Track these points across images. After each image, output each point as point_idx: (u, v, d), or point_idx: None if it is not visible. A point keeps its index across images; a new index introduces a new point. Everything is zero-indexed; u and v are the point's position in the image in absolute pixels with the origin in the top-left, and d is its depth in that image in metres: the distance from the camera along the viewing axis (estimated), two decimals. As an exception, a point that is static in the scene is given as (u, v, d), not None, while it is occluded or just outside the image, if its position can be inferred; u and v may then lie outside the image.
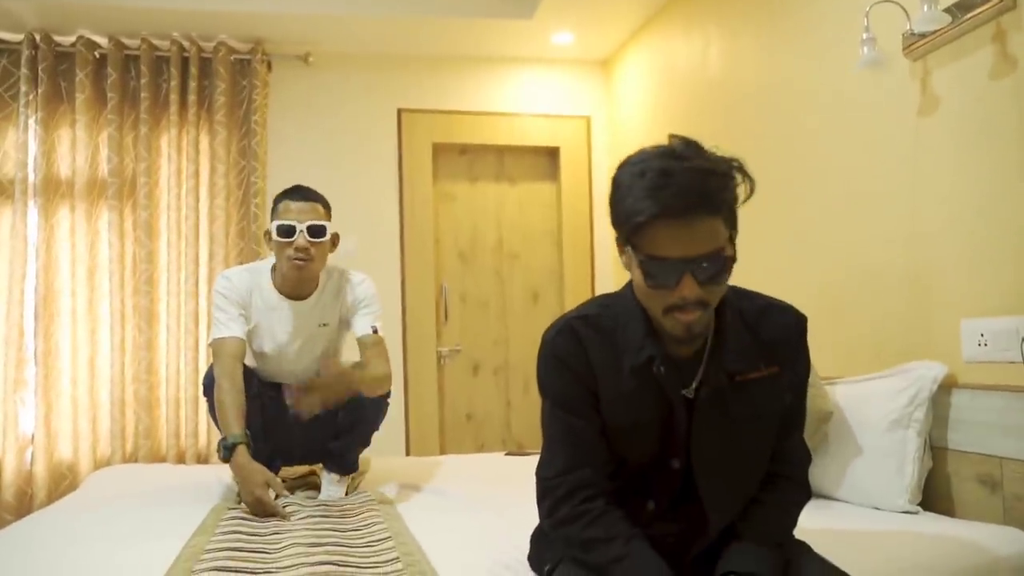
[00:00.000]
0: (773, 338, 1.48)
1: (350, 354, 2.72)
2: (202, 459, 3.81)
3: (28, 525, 2.19)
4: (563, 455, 1.47)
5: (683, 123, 3.68)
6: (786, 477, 1.53)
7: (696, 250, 1.30)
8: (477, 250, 4.48)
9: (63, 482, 3.73)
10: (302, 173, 4.11)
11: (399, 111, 4.33)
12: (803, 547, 1.52)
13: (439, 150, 4.40)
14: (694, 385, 1.45)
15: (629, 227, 1.32)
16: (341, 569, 1.67)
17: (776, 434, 1.51)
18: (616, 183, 1.36)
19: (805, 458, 1.57)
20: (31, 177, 3.82)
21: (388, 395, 2.66)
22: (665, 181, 1.27)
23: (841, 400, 2.29)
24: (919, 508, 2.11)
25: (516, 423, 4.42)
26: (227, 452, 2.35)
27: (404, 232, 4.28)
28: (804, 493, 1.56)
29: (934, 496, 2.17)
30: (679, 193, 1.27)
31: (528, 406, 4.41)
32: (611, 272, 4.50)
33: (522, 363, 4.42)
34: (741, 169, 1.36)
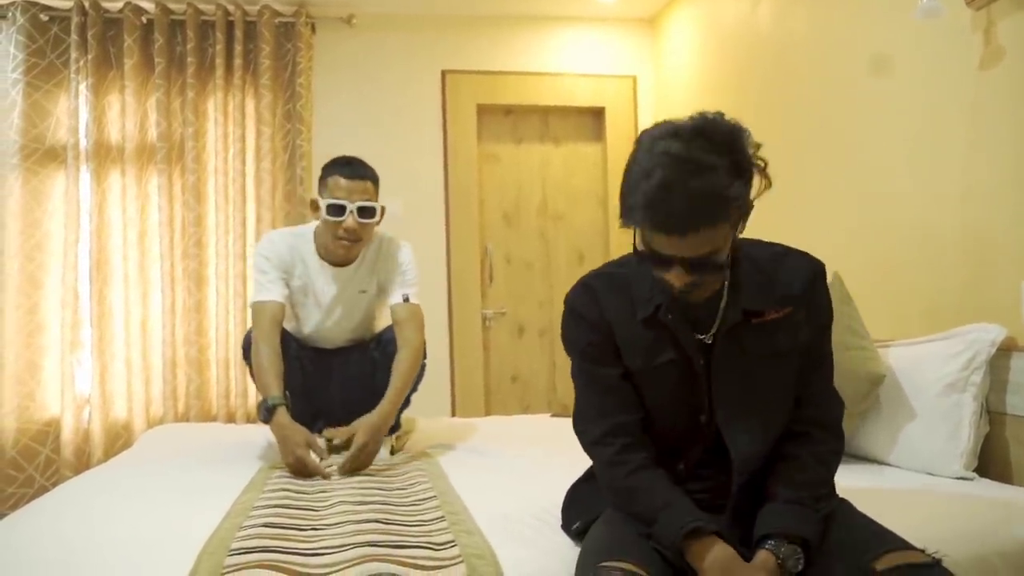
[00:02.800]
0: (788, 281, 1.49)
1: (386, 319, 2.72)
2: (251, 419, 3.86)
3: (83, 482, 2.25)
4: (594, 402, 1.53)
5: (731, 81, 3.58)
6: (819, 426, 1.51)
7: (690, 252, 1.31)
8: (522, 212, 4.46)
9: (118, 441, 3.83)
10: (346, 135, 4.14)
11: (443, 72, 4.29)
12: (844, 504, 1.49)
13: (483, 111, 4.37)
14: (712, 330, 1.47)
15: (629, 220, 1.33)
16: (387, 526, 1.68)
17: (799, 375, 1.50)
18: (628, 166, 1.35)
19: (836, 404, 1.55)
20: (83, 143, 3.87)
21: (424, 356, 2.65)
22: (664, 197, 1.26)
23: (894, 363, 2.24)
24: (975, 474, 2.05)
25: (561, 384, 4.42)
26: (267, 414, 2.38)
27: (448, 194, 4.27)
28: (838, 441, 1.52)
29: (991, 462, 2.12)
30: (675, 214, 1.26)
31: (573, 368, 4.38)
32: (657, 234, 4.43)
33: (567, 325, 4.38)
34: (754, 169, 1.35)
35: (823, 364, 1.54)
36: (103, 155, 3.91)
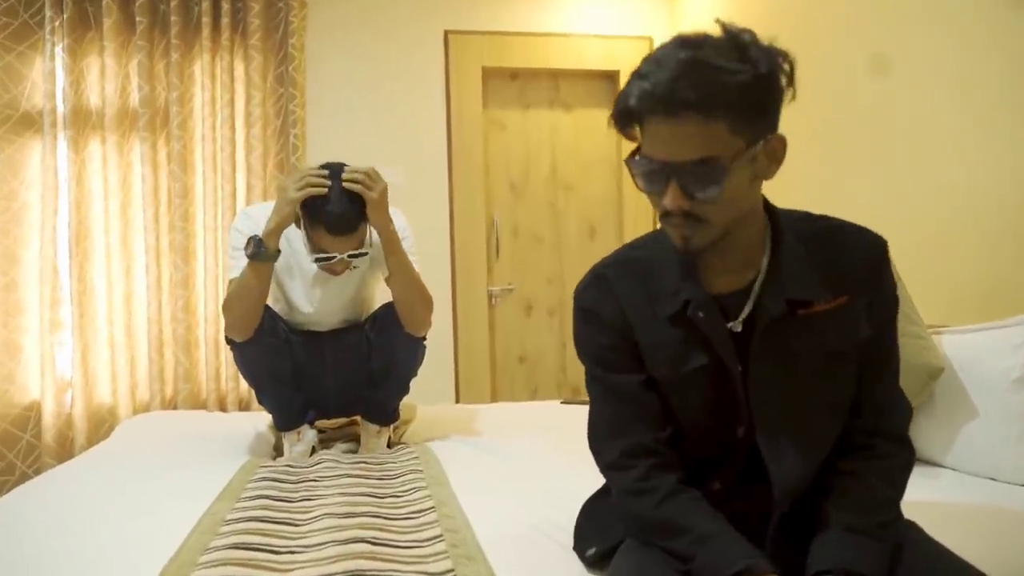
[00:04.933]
0: (843, 263, 1.23)
1: (382, 297, 2.48)
2: (244, 405, 3.66)
3: (42, 483, 2.03)
4: (610, 417, 1.29)
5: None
6: (884, 436, 1.25)
7: (682, 155, 1.09)
8: (530, 181, 4.20)
9: (103, 425, 3.61)
10: (342, 100, 3.89)
11: (446, 33, 4.02)
12: (913, 529, 1.25)
13: (489, 74, 4.10)
14: (742, 317, 1.21)
15: (616, 115, 1.15)
16: (375, 547, 1.46)
17: (859, 379, 1.24)
18: None
19: (905, 409, 1.29)
20: (60, 109, 3.61)
21: (423, 338, 2.42)
22: (653, 68, 1.10)
23: (948, 352, 1.99)
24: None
25: (572, 366, 4.18)
26: (257, 244, 2.16)
27: (452, 163, 4.01)
28: (908, 451, 1.27)
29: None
30: (661, 83, 1.07)
31: (584, 348, 4.15)
32: (674, 205, 4.18)
33: (578, 302, 4.16)
34: (773, 66, 1.12)
35: (889, 365, 1.28)
36: (82, 122, 3.65)
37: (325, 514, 1.65)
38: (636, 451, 1.24)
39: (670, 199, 1.12)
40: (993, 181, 2.16)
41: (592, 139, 4.23)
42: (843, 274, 1.22)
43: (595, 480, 1.76)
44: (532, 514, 1.66)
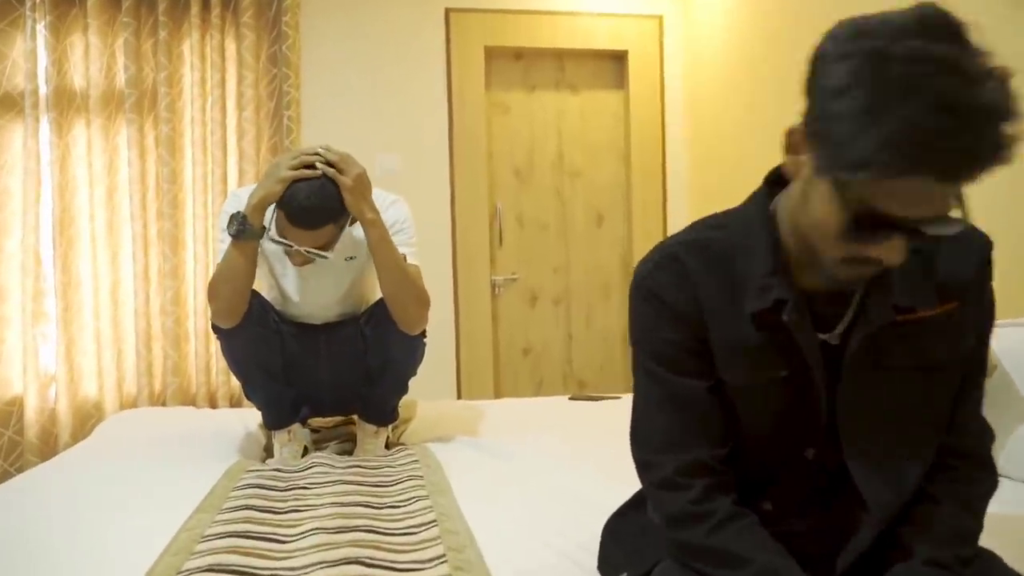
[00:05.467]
0: (951, 265, 1.06)
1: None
2: (235, 400, 3.50)
3: (8, 490, 1.87)
4: (667, 427, 1.09)
5: (774, 23, 3.13)
6: (970, 457, 1.09)
7: (930, 213, 0.87)
8: (535, 167, 4.02)
9: (88, 422, 3.46)
10: (338, 81, 3.72)
11: (447, 11, 3.84)
12: (991, 560, 1.09)
13: (492, 55, 3.92)
14: (840, 328, 1.05)
15: (847, 166, 0.84)
16: (370, 570, 1.29)
17: (953, 396, 1.08)
18: (831, 72, 0.86)
19: (989, 430, 1.13)
20: (42, 89, 3.44)
21: (423, 335, 2.26)
22: (951, 126, 0.79)
23: (1000, 348, 1.82)
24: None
25: (578, 359, 4.02)
26: (240, 221, 2.01)
27: (453, 147, 3.84)
28: (993, 478, 1.11)
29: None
30: (962, 148, 0.80)
31: (591, 340, 4.00)
32: (685, 191, 4.02)
33: (584, 292, 4.00)
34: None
35: (979, 380, 1.12)
36: (65, 103, 3.48)
37: (315, 529, 1.48)
38: (693, 469, 1.06)
39: (896, 253, 0.90)
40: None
41: (600, 123, 4.06)
42: (951, 277, 1.06)
43: (616, 489, 1.59)
44: (546, 529, 1.50)
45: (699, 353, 1.08)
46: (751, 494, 1.10)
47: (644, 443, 1.12)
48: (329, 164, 1.99)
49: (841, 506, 1.09)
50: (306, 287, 2.27)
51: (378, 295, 2.32)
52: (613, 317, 4.00)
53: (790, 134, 0.96)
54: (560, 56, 4.02)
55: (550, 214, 4.03)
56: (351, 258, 2.27)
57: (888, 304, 1.03)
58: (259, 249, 2.12)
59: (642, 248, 3.94)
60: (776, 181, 1.10)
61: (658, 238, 3.99)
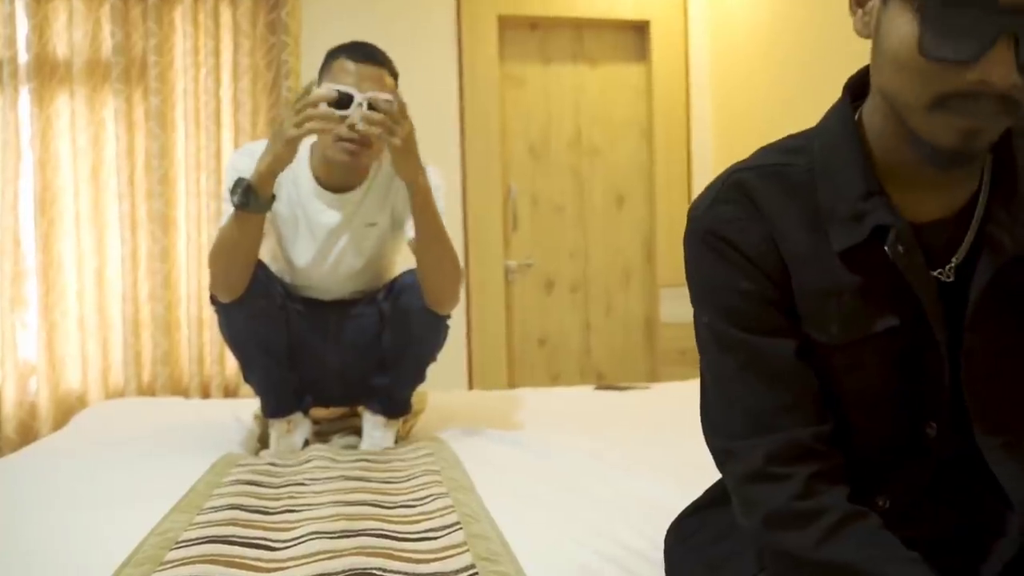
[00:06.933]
0: None
1: (404, 263, 2.08)
2: (230, 391, 3.27)
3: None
4: (748, 403, 0.84)
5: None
6: None
7: None
8: (551, 145, 3.77)
9: (71, 414, 3.19)
10: (341, 48, 3.47)
11: (458, -23, 3.60)
12: None
13: (506, 24, 3.67)
14: (958, 258, 0.81)
15: None
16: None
17: None
18: None
19: None
20: (22, 58, 3.20)
21: (448, 316, 2.02)
22: None
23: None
24: None
25: (597, 349, 3.76)
26: (245, 190, 1.78)
27: (465, 124, 3.59)
28: None
29: None
30: None
31: (610, 329, 3.74)
32: (711, 170, 3.75)
33: (603, 278, 3.74)
34: None
35: None
36: (47, 73, 3.25)
37: (313, 533, 1.23)
38: (790, 454, 0.81)
39: (1001, 66, 0.69)
40: None
41: (620, 98, 3.80)
42: None
43: (666, 485, 1.35)
44: (589, 533, 1.24)
45: (781, 305, 0.84)
46: (858, 489, 0.84)
47: (722, 428, 0.87)
48: (371, 122, 1.77)
49: (975, 501, 0.85)
50: (321, 257, 2.03)
51: (396, 273, 2.09)
52: (634, 305, 3.74)
53: None
54: (578, 26, 3.76)
55: (567, 195, 3.78)
56: (372, 224, 2.04)
57: (1018, 231, 0.79)
58: (268, 216, 1.90)
59: (665, 232, 3.70)
60: (857, 92, 0.87)
61: (682, 221, 3.71)
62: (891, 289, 0.81)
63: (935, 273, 0.82)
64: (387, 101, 1.80)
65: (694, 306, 0.91)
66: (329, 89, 1.79)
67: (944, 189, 0.82)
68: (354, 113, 1.80)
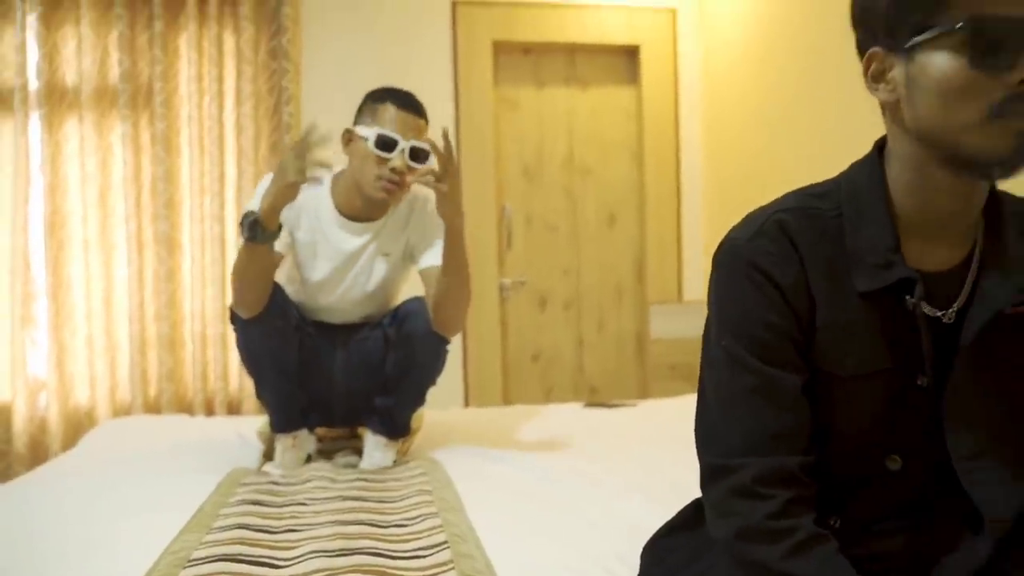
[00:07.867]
0: None
1: (411, 291, 2.21)
2: (233, 407, 3.36)
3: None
4: (749, 426, 0.94)
5: (792, 15, 2.99)
6: None
7: None
8: (544, 166, 3.88)
9: (80, 430, 3.30)
10: (341, 76, 3.57)
11: (453, 4, 3.70)
12: None
13: (500, 49, 3.78)
14: (957, 305, 0.93)
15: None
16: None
17: None
18: None
19: None
20: (32, 84, 3.31)
21: (448, 341, 2.13)
22: None
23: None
24: None
25: (589, 365, 3.86)
26: (251, 225, 1.90)
27: (460, 145, 3.69)
28: None
29: None
30: None
31: (603, 345, 3.84)
32: (699, 190, 3.87)
33: (596, 295, 3.85)
34: None
35: None
36: (56, 99, 3.35)
37: (314, 552, 1.34)
38: (775, 478, 0.91)
39: None
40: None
41: (611, 120, 3.91)
42: None
43: (646, 506, 1.45)
44: (570, 551, 1.35)
45: (799, 344, 0.94)
46: (820, 508, 0.95)
47: (719, 444, 0.96)
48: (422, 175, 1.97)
49: (926, 520, 0.95)
50: (334, 282, 2.17)
51: (400, 300, 2.22)
52: (626, 322, 3.85)
53: (867, 63, 0.93)
54: (571, 51, 3.87)
55: (560, 214, 3.89)
56: (386, 255, 2.19)
57: (1009, 284, 0.91)
58: (288, 241, 2.09)
59: (655, 250, 3.80)
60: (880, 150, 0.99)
61: (672, 239, 3.85)
62: (893, 333, 0.93)
63: (939, 315, 0.93)
64: (425, 152, 2.00)
65: (713, 326, 0.99)
66: (374, 133, 1.99)
67: (951, 246, 0.94)
68: (396, 157, 1.99)
